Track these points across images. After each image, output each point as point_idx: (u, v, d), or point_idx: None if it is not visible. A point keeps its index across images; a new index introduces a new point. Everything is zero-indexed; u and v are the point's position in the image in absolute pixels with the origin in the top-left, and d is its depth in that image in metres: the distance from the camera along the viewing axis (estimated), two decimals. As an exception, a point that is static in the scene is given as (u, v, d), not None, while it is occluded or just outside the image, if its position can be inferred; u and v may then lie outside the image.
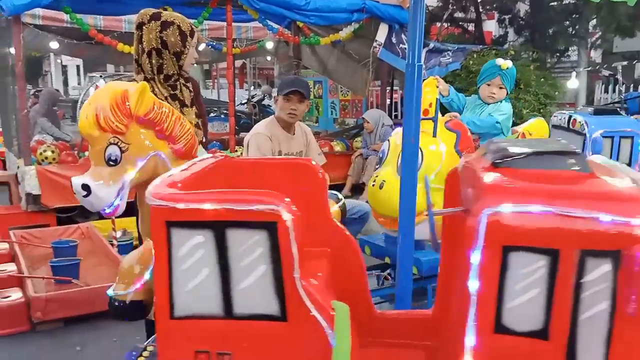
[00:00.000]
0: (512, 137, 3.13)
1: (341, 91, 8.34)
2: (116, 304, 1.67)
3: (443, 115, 2.81)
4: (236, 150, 5.72)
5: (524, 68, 6.97)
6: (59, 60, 25.03)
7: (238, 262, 1.17)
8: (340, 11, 5.76)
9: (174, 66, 2.44)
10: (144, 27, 2.38)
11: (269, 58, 11.60)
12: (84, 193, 1.57)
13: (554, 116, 3.63)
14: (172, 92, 2.49)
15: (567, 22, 9.66)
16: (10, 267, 3.72)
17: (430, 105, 2.54)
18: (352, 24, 5.96)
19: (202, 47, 6.82)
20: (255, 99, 11.40)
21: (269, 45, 7.44)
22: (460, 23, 10.14)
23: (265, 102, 11.09)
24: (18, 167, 5.53)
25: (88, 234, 4.59)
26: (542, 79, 7.33)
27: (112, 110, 1.57)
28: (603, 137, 3.02)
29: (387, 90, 7.40)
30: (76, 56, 12.85)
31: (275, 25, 6.05)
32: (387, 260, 2.83)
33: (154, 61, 2.40)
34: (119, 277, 1.70)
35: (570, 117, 3.33)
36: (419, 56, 2.24)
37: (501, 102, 3.23)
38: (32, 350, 3.00)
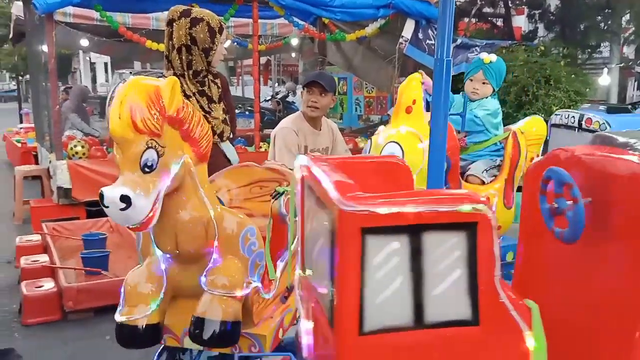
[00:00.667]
0: (503, 136, 2.90)
1: (366, 88, 8.30)
2: (127, 330, 1.53)
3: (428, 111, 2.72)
4: (261, 147, 5.75)
5: (554, 64, 6.84)
6: (87, 58, 25.54)
7: (433, 267, 1.08)
8: (366, 7, 5.74)
9: (202, 62, 2.46)
10: (174, 24, 2.41)
11: (293, 55, 11.62)
12: (122, 206, 1.37)
13: (556, 115, 3.39)
14: (200, 88, 2.52)
15: (599, 17, 9.42)
16: (43, 258, 3.83)
17: (414, 102, 2.38)
18: (378, 19, 5.93)
19: (227, 44, 6.88)
20: (279, 96, 11.44)
21: (294, 41, 7.45)
22: (489, 18, 9.99)
23: (290, 98, 11.12)
24: (50, 161, 5.67)
25: (116, 228, 4.68)
26: (573, 76, 7.17)
27: (149, 108, 1.38)
28: None
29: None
30: (104, 53, 13.12)
31: (301, 22, 6.06)
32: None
33: (183, 57, 2.43)
34: (126, 300, 1.57)
35: (582, 115, 3.14)
36: (448, 51, 2.20)
37: (487, 98, 2.94)
38: (65, 338, 3.08)
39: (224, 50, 2.55)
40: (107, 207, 1.36)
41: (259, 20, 5.60)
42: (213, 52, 2.46)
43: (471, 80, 2.93)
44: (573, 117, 3.15)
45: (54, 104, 5.54)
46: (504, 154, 2.82)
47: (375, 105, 8.28)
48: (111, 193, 1.35)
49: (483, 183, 2.72)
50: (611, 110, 3.12)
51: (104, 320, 3.26)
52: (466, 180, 2.71)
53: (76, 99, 8.10)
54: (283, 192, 1.92)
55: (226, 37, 2.60)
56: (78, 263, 3.76)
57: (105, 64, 25.46)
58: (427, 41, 5.83)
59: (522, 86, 6.63)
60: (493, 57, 2.89)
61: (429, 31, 5.85)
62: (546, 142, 3.11)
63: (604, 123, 2.90)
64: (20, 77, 18.64)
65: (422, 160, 2.19)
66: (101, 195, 1.36)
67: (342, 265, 1.06)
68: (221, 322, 1.57)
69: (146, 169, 1.40)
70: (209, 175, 1.84)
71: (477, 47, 6.08)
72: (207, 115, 2.54)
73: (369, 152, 2.42)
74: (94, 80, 27.15)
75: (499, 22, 9.88)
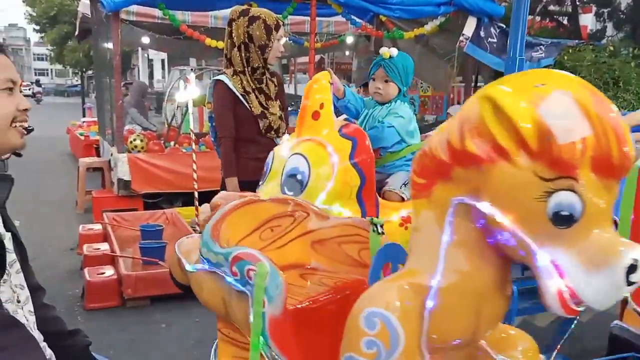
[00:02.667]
0: (420, 145, 2.41)
1: (421, 87, 8.15)
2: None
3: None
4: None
5: (623, 65, 6.47)
6: (146, 55, 26.47)
7: None
8: (426, 4, 5.62)
9: (259, 59, 2.53)
10: (233, 23, 2.52)
11: (347, 53, 11.56)
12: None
13: None
14: (258, 85, 2.58)
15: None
16: (104, 247, 3.96)
17: (322, 106, 1.88)
18: (438, 17, 5.79)
19: (283, 41, 6.92)
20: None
21: (350, 39, 7.40)
22: (555, 16, 9.58)
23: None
24: (111, 154, 5.88)
25: (172, 220, 4.79)
26: (644, 77, 6.75)
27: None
28: None
29: (471, 87, 7.13)
30: (162, 50, 13.50)
31: (358, 20, 6.00)
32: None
33: (242, 54, 2.52)
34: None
35: None
36: (521, 49, 2.11)
37: (395, 101, 2.47)
38: (124, 324, 3.17)
39: (280, 47, 2.59)
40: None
41: (316, 18, 5.59)
42: (269, 49, 2.52)
43: (373, 79, 2.48)
44: None
45: (117, 99, 5.74)
46: None
47: (431, 105, 8.11)
48: (626, 260, 0.83)
49: (402, 200, 2.27)
50: None
51: (160, 309, 3.34)
52: (383, 197, 2.25)
53: (136, 95, 8.39)
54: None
55: (283, 35, 2.63)
56: (136, 252, 3.87)
57: (163, 60, 26.28)
58: (489, 39, 5.64)
59: (588, 88, 6.31)
60: (393, 52, 2.45)
61: (492, 29, 5.66)
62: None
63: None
64: (83, 73, 19.51)
65: (330, 177, 1.74)
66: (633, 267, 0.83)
67: None
68: None
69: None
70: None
71: (541, 46, 5.83)
72: (265, 112, 2.60)
73: (270, 166, 1.84)
74: (151, 76, 28.10)
75: (565, 21, 9.46)
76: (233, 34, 2.52)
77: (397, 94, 2.46)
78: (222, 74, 2.59)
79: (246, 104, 2.56)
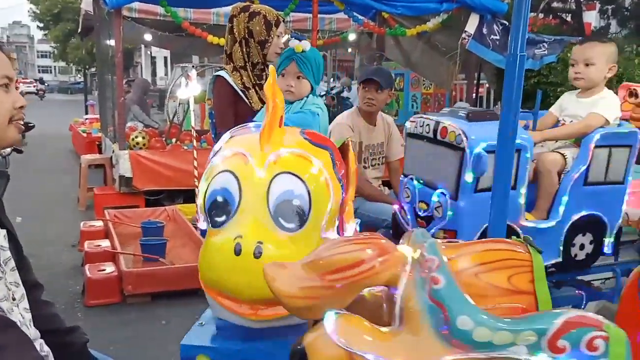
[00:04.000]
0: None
1: (423, 84, 8.12)
2: None
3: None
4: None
5: (627, 62, 6.45)
6: (148, 52, 26.51)
7: None
8: (428, 1, 5.59)
9: (259, 55, 2.52)
10: (234, 20, 2.53)
11: (349, 50, 11.55)
12: None
13: (411, 121, 2.47)
14: (258, 81, 2.57)
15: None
16: (105, 243, 3.97)
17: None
18: (441, 14, 5.76)
19: (285, 38, 6.91)
20: (334, 91, 11.40)
21: (352, 36, 7.38)
22: (558, 13, 9.53)
23: (344, 94, 11.04)
24: (113, 151, 5.88)
25: (173, 217, 4.79)
26: (648, 75, 6.73)
27: None
28: (487, 151, 2.09)
29: (474, 84, 7.11)
30: (165, 48, 13.50)
31: (361, 17, 5.98)
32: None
33: (244, 50, 2.52)
34: None
35: (438, 123, 2.25)
36: (522, 46, 2.08)
37: (307, 97, 2.23)
38: (124, 320, 3.18)
39: (280, 43, 2.57)
40: None
41: (318, 15, 5.58)
42: (269, 44, 2.50)
43: (283, 75, 2.21)
44: (428, 125, 2.31)
45: (119, 96, 5.74)
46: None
47: (433, 102, 8.09)
48: None
49: None
50: (473, 116, 2.23)
51: (161, 305, 3.35)
52: None
53: (138, 92, 8.39)
54: None
55: (284, 32, 2.63)
56: (137, 249, 3.88)
57: (165, 58, 26.33)
58: (492, 36, 5.60)
59: (591, 85, 6.30)
60: (306, 45, 2.20)
61: (494, 26, 5.62)
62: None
63: (460, 134, 2.15)
64: (86, 70, 19.56)
65: (329, 195, 1.38)
66: None
67: None
68: None
69: None
70: None
71: (544, 43, 5.79)
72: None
73: (234, 192, 1.32)
74: (153, 73, 28.14)
75: (569, 18, 9.41)
76: (234, 30, 2.53)
77: (309, 91, 2.22)
78: (222, 69, 2.59)
79: (246, 99, 2.54)
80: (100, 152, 7.70)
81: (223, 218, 1.31)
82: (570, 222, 2.32)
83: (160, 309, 3.31)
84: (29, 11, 27.76)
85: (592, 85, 2.36)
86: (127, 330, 3.04)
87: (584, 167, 2.30)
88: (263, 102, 2.56)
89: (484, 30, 5.62)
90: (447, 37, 6.05)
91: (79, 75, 35.28)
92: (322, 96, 12.30)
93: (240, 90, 2.53)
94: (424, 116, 2.48)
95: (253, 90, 2.55)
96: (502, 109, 2.01)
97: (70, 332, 1.45)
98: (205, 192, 1.35)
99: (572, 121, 2.44)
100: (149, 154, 5.62)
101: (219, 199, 1.32)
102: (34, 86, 32.33)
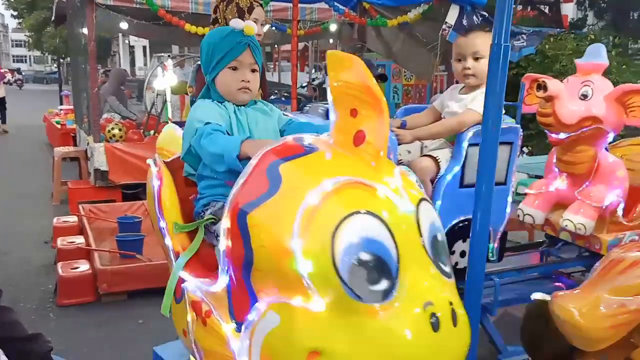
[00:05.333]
0: None
1: (405, 75, 8.10)
2: None
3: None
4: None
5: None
6: (126, 41, 25.98)
7: None
8: (409, -9, 5.53)
9: None
10: (217, 9, 2.53)
11: (331, 41, 11.44)
12: None
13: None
14: None
15: (656, 5, 8.91)
16: (79, 240, 3.85)
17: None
18: (422, 5, 5.72)
19: (266, 27, 6.79)
20: (315, 82, 11.32)
21: (333, 27, 7.30)
22: (537, 5, 9.56)
23: (326, 85, 10.98)
24: (88, 143, 5.73)
25: (151, 211, 4.68)
26: (624, 66, 6.79)
27: None
28: None
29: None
30: (143, 37, 13.26)
31: (342, 7, 5.90)
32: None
33: None
34: None
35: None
36: (507, 36, 2.03)
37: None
38: (99, 320, 3.08)
39: (259, 30, 2.52)
40: None
41: (299, 5, 5.48)
42: None
43: (234, 68, 1.62)
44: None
45: (92, 86, 5.59)
46: None
47: (414, 94, 8.08)
48: None
49: None
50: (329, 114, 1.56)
51: (137, 305, 3.26)
52: None
53: (115, 82, 8.18)
54: None
55: (264, 19, 2.57)
56: (113, 245, 3.77)
57: (144, 47, 25.86)
58: (472, 28, 5.59)
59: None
60: (253, 25, 1.63)
61: (474, 17, 5.60)
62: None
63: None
64: (61, 60, 19.09)
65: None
66: None
67: None
68: None
69: None
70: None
71: (523, 35, 5.80)
72: None
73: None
74: (132, 63, 27.63)
75: (547, 10, 9.46)
76: (218, 20, 2.53)
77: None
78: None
79: None
80: (75, 144, 7.51)
81: (385, 284, 0.91)
82: (448, 228, 2.09)
83: (137, 308, 3.22)
84: (2, -1, 26.97)
85: (484, 82, 1.80)
86: (102, 331, 2.95)
87: (459, 168, 2.10)
88: None
89: (464, 22, 5.59)
90: (428, 28, 6.02)
91: (54, 65, 34.49)
92: (304, 87, 12.23)
93: None
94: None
95: None
96: (486, 100, 1.97)
97: (32, 340, 1.38)
98: (330, 253, 0.89)
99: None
100: (126, 147, 5.50)
101: (367, 257, 0.90)
102: (13, 77, 31.56)
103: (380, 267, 0.90)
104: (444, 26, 5.60)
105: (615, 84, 6.97)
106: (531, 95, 2.74)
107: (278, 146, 1.16)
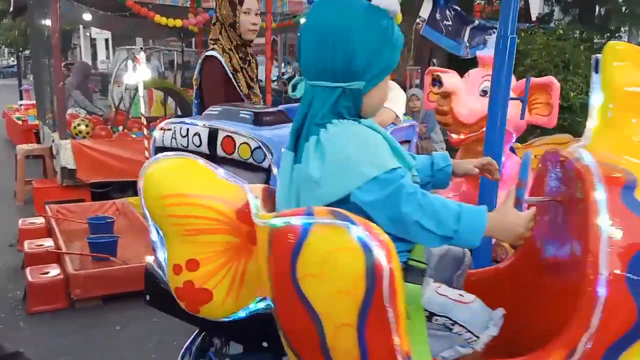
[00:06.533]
0: None
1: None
2: None
3: None
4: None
5: (574, 49, 6.62)
6: (87, 34, 25.16)
7: None
8: (383, -16, 5.51)
9: (236, 37, 2.53)
10: (215, 5, 2.62)
11: (301, 34, 11.35)
12: None
13: (160, 129, 1.91)
14: (243, 65, 2.59)
15: (621, 0, 9.15)
16: (48, 243, 3.68)
17: None
18: (395, -2, 5.71)
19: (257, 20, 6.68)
20: (285, 77, 11.21)
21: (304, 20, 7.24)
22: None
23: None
24: (53, 140, 5.49)
25: (124, 211, 4.53)
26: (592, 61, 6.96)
27: None
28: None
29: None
30: (107, 29, 12.83)
31: (314, -1, 5.83)
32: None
33: (229, 34, 2.54)
34: None
35: (216, 131, 1.66)
36: (513, 28, 2.02)
37: None
38: (73, 327, 2.94)
39: (251, 19, 2.52)
40: None
41: (271, -3, 5.39)
42: (238, 24, 2.50)
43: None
44: (198, 133, 1.77)
45: (57, 80, 5.36)
46: None
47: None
48: None
49: None
50: (261, 119, 1.81)
51: (114, 310, 3.14)
52: None
53: (79, 76, 7.89)
54: None
55: (254, 7, 2.56)
56: (84, 248, 3.62)
57: (106, 40, 25.10)
58: (445, 22, 5.62)
59: (539, 71, 6.42)
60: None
61: (447, 12, 5.64)
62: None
63: (259, 147, 1.65)
64: (20, 53, 18.36)
65: None
66: None
67: None
68: None
69: None
70: None
71: (494, 29, 5.88)
72: (250, 93, 2.60)
73: None
74: (94, 57, 26.79)
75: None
76: (218, 17, 2.56)
77: None
78: (212, 50, 2.55)
79: (235, 82, 2.53)
80: (38, 141, 7.20)
81: None
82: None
83: (114, 313, 3.10)
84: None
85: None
86: (76, 339, 2.81)
87: None
88: (249, 87, 2.59)
89: (437, 16, 5.63)
90: (401, 22, 6.02)
91: (12, 59, 33.09)
92: (273, 81, 12.07)
93: (231, 72, 2.52)
94: (186, 121, 1.76)
95: (241, 73, 2.57)
96: (492, 92, 1.95)
97: (11, 358, 1.28)
98: None
99: None
100: (94, 144, 5.30)
101: None
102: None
103: None
104: (417, 20, 5.63)
105: (584, 78, 7.09)
106: (432, 92, 2.58)
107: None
